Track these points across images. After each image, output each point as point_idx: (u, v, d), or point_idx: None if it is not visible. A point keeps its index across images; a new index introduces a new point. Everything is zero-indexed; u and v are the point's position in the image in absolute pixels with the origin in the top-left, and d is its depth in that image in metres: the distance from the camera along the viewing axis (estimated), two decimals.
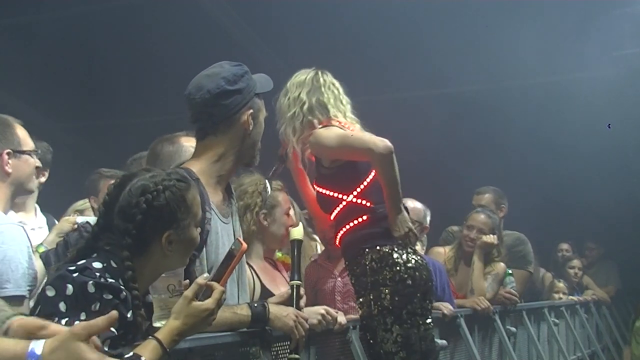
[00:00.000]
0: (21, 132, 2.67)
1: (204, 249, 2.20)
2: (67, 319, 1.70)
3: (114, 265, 1.85)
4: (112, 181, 3.03)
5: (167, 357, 1.79)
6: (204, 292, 1.89)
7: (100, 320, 1.47)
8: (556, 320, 5.87)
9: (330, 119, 3.18)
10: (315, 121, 3.15)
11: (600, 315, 7.46)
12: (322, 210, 3.26)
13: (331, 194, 3.14)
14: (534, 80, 7.46)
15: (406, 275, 3.00)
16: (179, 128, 3.12)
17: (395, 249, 3.04)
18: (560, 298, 6.40)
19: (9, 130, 2.61)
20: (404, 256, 3.04)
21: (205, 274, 1.94)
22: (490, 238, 4.49)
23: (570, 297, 6.59)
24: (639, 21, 6.69)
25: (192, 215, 1.98)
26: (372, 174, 3.13)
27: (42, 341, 1.44)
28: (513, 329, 4.94)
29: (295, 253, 2.60)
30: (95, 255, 1.88)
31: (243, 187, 3.22)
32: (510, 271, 4.70)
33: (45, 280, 2.18)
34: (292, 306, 2.50)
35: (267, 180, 3.28)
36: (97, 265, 1.82)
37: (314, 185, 3.28)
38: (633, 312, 6.72)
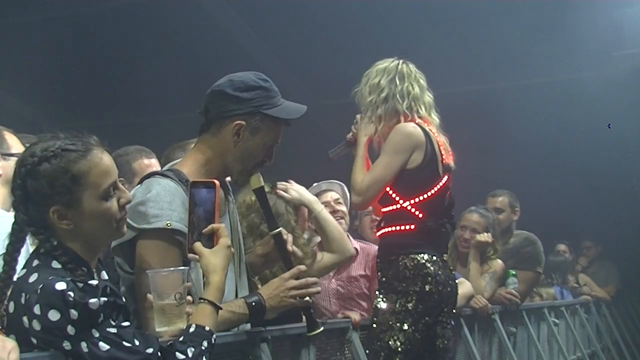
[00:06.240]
0: (10, 138, 2.73)
1: None
2: (84, 342, 1.61)
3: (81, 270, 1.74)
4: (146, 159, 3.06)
5: (218, 311, 1.88)
6: (208, 238, 1.95)
7: None
8: (556, 320, 5.86)
9: (413, 117, 3.18)
10: (399, 110, 3.16)
11: (600, 315, 7.45)
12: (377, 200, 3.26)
13: (391, 193, 3.14)
14: (532, 81, 7.45)
15: (435, 290, 3.05)
16: (178, 128, 3.12)
17: (430, 261, 3.07)
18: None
19: None
20: (434, 269, 3.07)
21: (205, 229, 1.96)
22: (484, 237, 4.47)
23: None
24: (639, 21, 6.69)
25: (89, 186, 1.74)
26: (436, 188, 3.15)
27: None
28: (513, 329, 4.94)
29: (263, 201, 2.44)
30: (59, 267, 1.73)
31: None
32: (514, 272, 4.67)
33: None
34: (280, 258, 2.43)
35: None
36: (65, 275, 1.68)
37: None
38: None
